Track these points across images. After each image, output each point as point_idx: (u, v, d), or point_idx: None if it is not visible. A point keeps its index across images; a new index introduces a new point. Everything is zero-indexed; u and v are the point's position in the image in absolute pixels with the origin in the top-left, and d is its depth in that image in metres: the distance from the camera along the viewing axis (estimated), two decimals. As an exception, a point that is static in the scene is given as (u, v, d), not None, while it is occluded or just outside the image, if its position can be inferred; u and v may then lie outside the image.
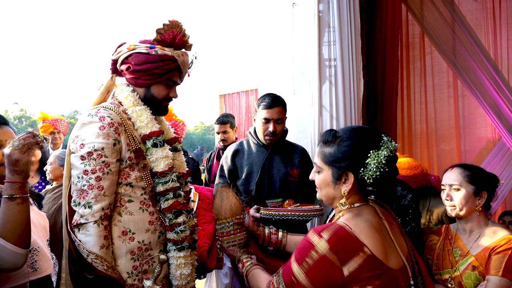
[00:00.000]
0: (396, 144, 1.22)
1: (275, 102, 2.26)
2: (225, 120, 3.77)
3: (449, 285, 1.75)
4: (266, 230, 1.71)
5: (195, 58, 1.71)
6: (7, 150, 1.35)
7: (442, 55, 3.53)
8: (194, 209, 2.31)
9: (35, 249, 1.59)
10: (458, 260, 1.76)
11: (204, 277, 2.61)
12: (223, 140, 3.78)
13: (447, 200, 1.81)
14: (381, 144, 1.18)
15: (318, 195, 1.31)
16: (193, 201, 2.23)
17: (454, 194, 1.79)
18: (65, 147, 4.16)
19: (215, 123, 3.86)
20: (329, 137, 1.25)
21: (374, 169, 1.15)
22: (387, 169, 1.16)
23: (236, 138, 3.89)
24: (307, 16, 2.82)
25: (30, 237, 1.41)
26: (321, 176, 1.26)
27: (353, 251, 1.11)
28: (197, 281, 1.90)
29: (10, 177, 1.35)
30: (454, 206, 1.79)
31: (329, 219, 1.73)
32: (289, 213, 2.06)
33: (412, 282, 1.19)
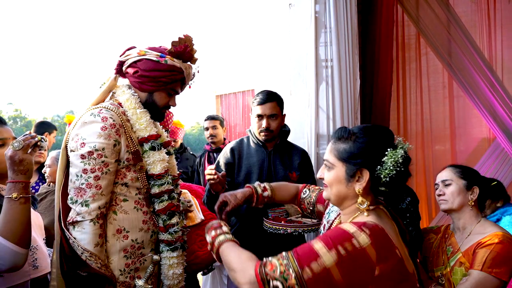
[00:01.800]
0: (410, 146, 1.19)
1: (268, 98, 2.23)
2: (215, 116, 3.82)
3: (440, 281, 1.78)
4: (258, 189, 1.64)
5: (198, 71, 1.78)
6: (8, 152, 1.38)
7: (438, 56, 3.55)
8: (198, 206, 2.31)
9: (35, 247, 1.60)
10: (449, 257, 1.79)
11: (204, 274, 2.61)
12: (212, 136, 3.73)
13: (440, 195, 1.84)
14: (396, 143, 1.17)
15: (325, 194, 1.26)
16: (188, 201, 2.23)
17: (446, 189, 1.83)
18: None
19: (204, 120, 3.83)
20: (344, 134, 1.21)
21: (391, 168, 1.12)
22: (402, 169, 1.13)
23: (225, 139, 3.87)
24: (303, 17, 2.83)
25: (30, 237, 1.42)
26: (332, 173, 1.21)
27: (390, 251, 1.07)
28: (200, 280, 1.89)
29: (14, 177, 1.37)
30: (446, 200, 1.82)
31: (328, 225, 1.68)
32: (288, 228, 1.84)
33: (418, 286, 1.17)
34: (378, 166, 1.14)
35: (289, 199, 1.73)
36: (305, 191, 1.65)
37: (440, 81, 4.15)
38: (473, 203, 1.79)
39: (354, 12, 2.89)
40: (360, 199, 1.17)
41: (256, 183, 1.69)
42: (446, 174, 1.85)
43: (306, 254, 1.05)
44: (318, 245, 1.06)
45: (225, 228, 1.33)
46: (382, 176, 1.13)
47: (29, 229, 1.40)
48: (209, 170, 1.98)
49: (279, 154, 2.32)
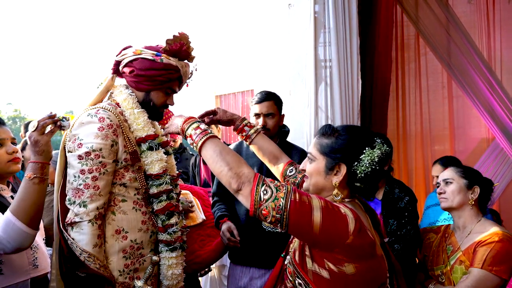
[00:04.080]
0: (388, 148, 1.29)
1: (265, 97, 2.25)
2: None
3: (440, 279, 1.79)
4: (246, 121, 1.70)
5: (196, 70, 1.76)
6: (27, 133, 1.44)
7: (437, 56, 3.55)
8: (199, 206, 2.32)
9: (35, 246, 1.61)
10: (450, 255, 1.80)
11: (201, 275, 2.61)
12: None
13: (441, 193, 1.86)
14: (375, 144, 1.25)
15: (305, 185, 1.34)
16: (190, 201, 2.24)
17: (447, 187, 1.85)
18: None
19: None
20: (328, 130, 1.31)
21: (367, 165, 1.22)
22: (377, 168, 1.23)
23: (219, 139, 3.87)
24: (303, 17, 2.83)
25: (40, 219, 1.44)
26: (313, 165, 1.30)
27: (365, 231, 1.16)
28: (201, 282, 1.89)
29: (32, 157, 1.42)
30: (446, 198, 1.83)
31: None
32: None
33: (388, 275, 1.27)
34: (355, 163, 1.23)
35: (267, 157, 1.71)
36: (291, 169, 1.65)
37: (439, 81, 4.16)
38: (473, 202, 1.81)
39: (354, 12, 2.89)
40: (335, 191, 1.26)
41: (249, 120, 1.73)
42: (447, 173, 1.88)
43: (301, 191, 1.18)
44: (312, 195, 1.18)
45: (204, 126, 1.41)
46: (358, 172, 1.23)
47: (40, 210, 1.42)
48: (234, 239, 2.03)
49: None
